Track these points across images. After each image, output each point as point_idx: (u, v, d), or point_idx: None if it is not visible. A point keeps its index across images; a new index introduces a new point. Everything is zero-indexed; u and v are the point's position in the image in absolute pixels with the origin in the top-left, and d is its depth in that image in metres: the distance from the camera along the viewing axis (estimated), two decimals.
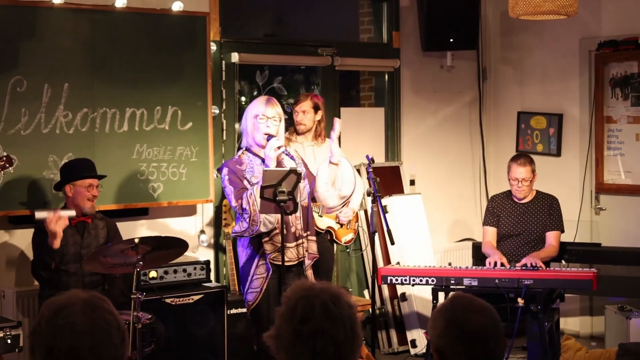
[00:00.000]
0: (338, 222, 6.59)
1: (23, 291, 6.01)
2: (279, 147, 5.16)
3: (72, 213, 5.49)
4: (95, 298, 2.21)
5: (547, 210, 6.61)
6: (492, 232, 6.70)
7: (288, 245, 5.24)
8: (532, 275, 6.06)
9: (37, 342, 2.15)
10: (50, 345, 2.14)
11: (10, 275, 6.15)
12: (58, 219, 5.34)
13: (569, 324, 7.78)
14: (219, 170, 5.42)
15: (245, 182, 5.20)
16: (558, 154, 8.03)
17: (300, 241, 5.34)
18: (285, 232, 5.16)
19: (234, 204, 5.19)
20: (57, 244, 5.38)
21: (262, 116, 5.25)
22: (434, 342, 2.69)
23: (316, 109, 6.53)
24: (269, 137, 5.20)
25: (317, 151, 6.47)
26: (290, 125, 6.66)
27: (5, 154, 5.40)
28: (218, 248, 7.02)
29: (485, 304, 2.73)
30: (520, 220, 6.62)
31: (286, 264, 5.19)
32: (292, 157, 5.27)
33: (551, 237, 6.56)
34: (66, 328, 2.15)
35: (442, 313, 2.70)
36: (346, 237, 6.69)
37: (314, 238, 5.44)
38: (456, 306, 2.70)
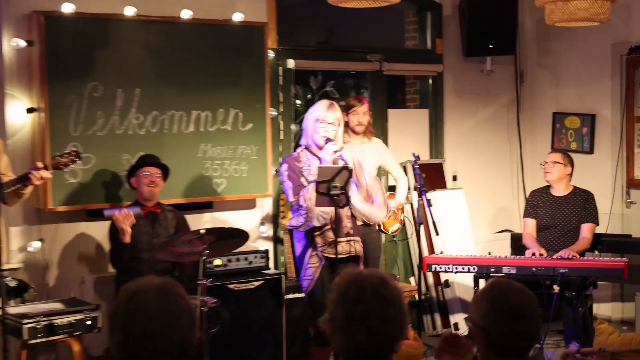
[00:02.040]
0: None
1: (100, 277, 6.06)
2: (335, 152, 5.20)
3: (138, 210, 5.54)
4: (168, 284, 2.21)
5: (582, 204, 6.54)
6: (532, 223, 6.65)
7: (340, 239, 5.26)
8: (567, 264, 6.02)
9: (115, 325, 2.17)
10: (126, 328, 2.15)
11: (89, 262, 6.22)
12: (125, 217, 5.41)
13: (602, 309, 7.68)
14: (280, 165, 5.44)
15: (303, 179, 5.23)
16: (591, 151, 7.94)
17: (350, 238, 5.37)
18: (336, 227, 5.19)
19: (291, 199, 5.25)
20: (127, 239, 5.43)
21: (323, 120, 5.28)
22: (478, 323, 2.68)
23: (369, 110, 6.57)
24: (328, 140, 5.24)
25: (366, 147, 6.47)
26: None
27: (74, 149, 5.43)
28: (276, 238, 7.04)
29: (522, 285, 2.73)
30: (557, 213, 6.56)
31: (338, 256, 5.22)
32: (345, 162, 5.27)
33: (585, 229, 6.48)
34: (140, 312, 2.15)
35: (485, 295, 2.70)
36: (393, 227, 6.69)
37: (358, 238, 5.48)
38: (497, 288, 2.71)
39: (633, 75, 7.62)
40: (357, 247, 5.44)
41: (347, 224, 5.36)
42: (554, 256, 6.17)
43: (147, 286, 2.20)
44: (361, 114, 6.48)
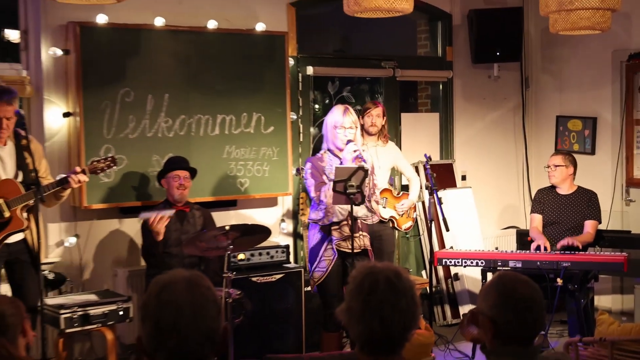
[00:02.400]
0: (397, 213, 6.58)
1: (132, 270, 6.11)
2: (355, 151, 5.26)
3: (171, 212, 5.56)
4: (195, 276, 2.22)
5: (586, 202, 6.53)
6: (538, 218, 6.64)
7: (354, 234, 5.30)
8: (569, 258, 6.00)
9: (146, 314, 2.17)
10: (157, 317, 2.15)
11: (121, 257, 6.26)
12: (159, 220, 5.43)
13: (602, 301, 7.65)
14: (304, 164, 5.49)
15: (324, 178, 5.28)
16: (593, 152, 7.90)
17: (361, 233, 5.42)
18: (352, 223, 5.24)
19: (313, 194, 5.30)
20: (159, 237, 5.48)
21: (341, 126, 5.33)
22: (486, 313, 2.67)
23: (384, 114, 6.53)
24: (348, 141, 5.29)
25: (379, 150, 6.46)
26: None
27: (110, 155, 5.47)
28: (296, 234, 7.05)
29: (528, 278, 2.73)
30: (562, 210, 6.55)
31: (354, 250, 5.27)
32: (364, 161, 5.31)
33: (589, 225, 6.48)
34: (170, 303, 2.15)
35: (493, 287, 2.70)
36: (406, 224, 6.68)
37: (366, 234, 5.53)
38: (505, 280, 2.70)
39: (632, 80, 7.58)
40: (366, 241, 5.52)
41: (361, 220, 5.42)
42: (558, 244, 6.17)
43: (176, 279, 2.20)
44: (374, 116, 6.45)
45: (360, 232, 5.45)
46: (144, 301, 2.20)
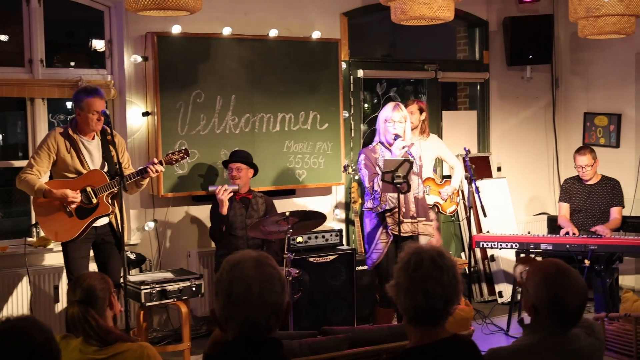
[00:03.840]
0: (442, 198, 6.53)
1: (203, 251, 6.17)
2: (403, 147, 5.22)
3: (235, 187, 5.66)
4: (262, 256, 2.23)
5: (610, 190, 6.44)
6: (565, 207, 6.56)
7: (405, 220, 5.27)
8: (596, 242, 5.93)
9: (219, 289, 2.19)
10: (229, 291, 2.17)
11: (194, 239, 6.32)
12: (224, 191, 5.54)
13: (626, 280, 7.52)
14: (358, 155, 5.46)
15: (377, 168, 5.25)
16: (617, 145, 7.77)
17: (415, 220, 5.36)
18: (404, 209, 5.21)
19: (367, 184, 5.29)
20: (224, 211, 5.56)
21: (391, 120, 5.30)
22: (532, 299, 2.62)
23: (421, 110, 6.44)
24: (396, 137, 5.24)
25: (422, 144, 6.41)
26: None
27: (184, 148, 5.53)
28: (348, 220, 7.05)
29: (581, 282, 2.64)
30: (588, 198, 6.46)
31: (403, 234, 5.24)
32: (412, 156, 5.27)
33: (615, 211, 6.39)
34: (240, 278, 2.17)
35: (547, 283, 2.62)
36: (450, 208, 6.62)
37: (430, 223, 5.44)
38: (559, 282, 2.61)
39: None
40: (421, 228, 5.40)
41: (411, 207, 5.35)
42: (591, 229, 6.12)
43: (245, 258, 2.21)
44: (409, 113, 6.34)
45: (415, 220, 5.36)
46: (217, 277, 2.22)
